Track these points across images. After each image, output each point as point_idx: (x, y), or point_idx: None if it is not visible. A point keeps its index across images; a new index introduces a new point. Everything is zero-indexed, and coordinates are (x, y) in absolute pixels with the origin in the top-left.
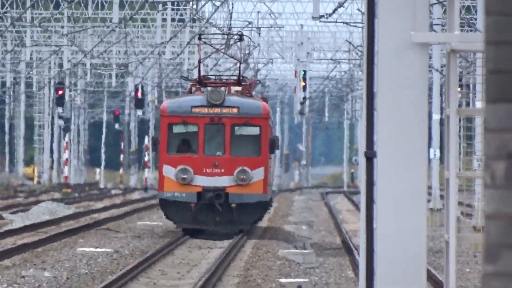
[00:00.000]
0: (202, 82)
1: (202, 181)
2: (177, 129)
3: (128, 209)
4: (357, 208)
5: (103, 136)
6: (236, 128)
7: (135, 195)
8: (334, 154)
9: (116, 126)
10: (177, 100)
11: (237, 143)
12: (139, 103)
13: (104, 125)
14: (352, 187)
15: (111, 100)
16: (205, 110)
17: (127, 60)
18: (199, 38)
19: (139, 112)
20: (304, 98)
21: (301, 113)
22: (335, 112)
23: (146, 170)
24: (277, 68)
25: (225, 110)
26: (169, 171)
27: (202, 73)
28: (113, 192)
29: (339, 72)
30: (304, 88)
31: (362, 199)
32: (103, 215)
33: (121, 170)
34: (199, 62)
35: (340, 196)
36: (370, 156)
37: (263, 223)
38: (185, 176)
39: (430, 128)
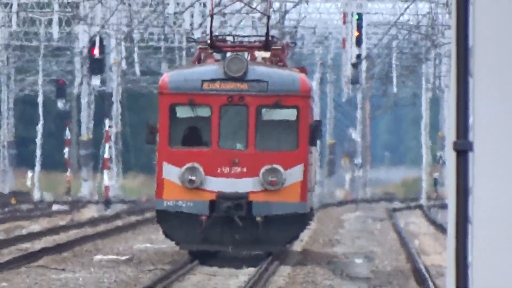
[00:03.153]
0: (215, 45)
1: (217, 185)
2: (183, 112)
3: (78, 235)
4: (443, 231)
5: (40, 120)
6: (263, 110)
7: (90, 212)
8: (406, 147)
9: (59, 103)
10: (183, 72)
11: (265, 131)
12: (97, 66)
13: (41, 101)
14: (435, 199)
15: (51, 63)
16: (221, 85)
17: None
18: None
19: (96, 81)
20: (359, 57)
21: (354, 81)
22: (408, 80)
23: (106, 173)
24: (315, 9)
25: (248, 86)
26: (171, 172)
27: (213, 33)
28: (55, 207)
29: (414, 16)
30: (359, 41)
31: (450, 217)
32: (39, 243)
33: (68, 173)
34: (212, 16)
35: (416, 213)
36: (463, 150)
37: (297, 246)
38: (193, 178)
39: None
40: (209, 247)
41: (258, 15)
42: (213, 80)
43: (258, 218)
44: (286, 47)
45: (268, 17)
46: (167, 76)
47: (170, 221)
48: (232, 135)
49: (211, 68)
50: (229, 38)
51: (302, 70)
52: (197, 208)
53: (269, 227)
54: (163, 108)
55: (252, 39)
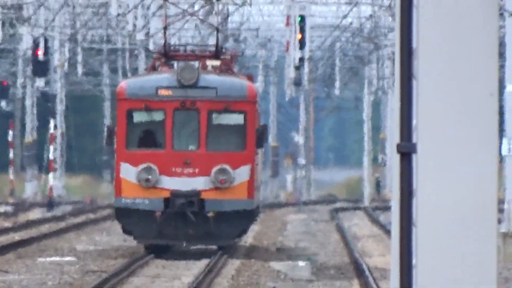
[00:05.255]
0: (168, 54)
1: (170, 183)
2: (139, 116)
3: (22, 237)
4: (386, 233)
5: None
6: (214, 115)
7: (34, 214)
8: (350, 149)
9: (3, 104)
10: (139, 79)
11: (215, 134)
12: (40, 68)
13: None
14: (377, 200)
15: None
16: (174, 92)
17: (20, 0)
18: None
19: (40, 83)
20: (302, 59)
21: (297, 83)
22: (350, 82)
23: (51, 174)
24: (258, 11)
25: (199, 92)
26: (128, 171)
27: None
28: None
29: (357, 19)
30: (302, 43)
31: (394, 218)
32: None
33: (10, 174)
34: (165, 29)
35: (359, 214)
36: (406, 152)
37: (241, 248)
38: (149, 177)
39: (502, 108)
40: (164, 241)
41: (200, 17)
42: (167, 87)
43: (209, 214)
44: (234, 56)
45: (217, 29)
46: (124, 84)
47: (127, 217)
48: (184, 137)
49: (165, 76)
50: (181, 47)
51: (249, 77)
52: (153, 205)
53: (220, 223)
54: (120, 113)
55: (202, 48)
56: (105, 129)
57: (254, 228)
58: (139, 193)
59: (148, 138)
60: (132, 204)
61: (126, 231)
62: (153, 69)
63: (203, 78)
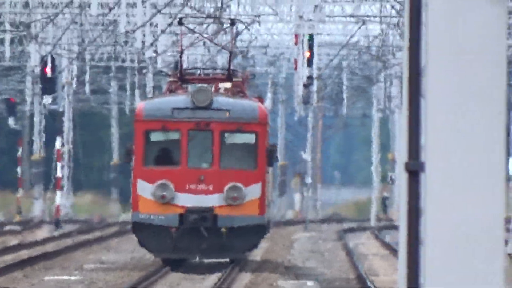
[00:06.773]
0: (183, 78)
1: (185, 200)
2: (156, 136)
3: (29, 255)
4: (393, 253)
5: None
6: (226, 135)
7: (41, 233)
8: (356, 167)
9: (11, 121)
10: (156, 101)
11: (228, 153)
12: (49, 85)
13: None
14: (384, 220)
15: (2, 81)
16: (189, 113)
17: (29, 18)
18: (180, 23)
19: (48, 100)
20: (310, 77)
21: (306, 101)
22: (358, 100)
23: (58, 192)
24: (266, 30)
25: (213, 114)
26: (144, 188)
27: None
28: (6, 227)
29: (364, 37)
30: (310, 61)
31: (401, 238)
32: None
33: (19, 192)
34: (181, 53)
35: (366, 234)
36: (414, 170)
37: (249, 268)
38: (165, 194)
39: (509, 126)
40: (179, 255)
41: (208, 35)
42: (182, 109)
43: (222, 229)
44: (246, 79)
45: (231, 53)
46: (142, 105)
47: (144, 232)
48: (199, 156)
49: (180, 98)
50: (195, 71)
51: (260, 99)
52: (168, 220)
53: (232, 237)
54: (138, 133)
55: (215, 71)
56: (124, 148)
57: (263, 246)
58: (155, 209)
59: (164, 156)
60: (149, 220)
61: (142, 245)
62: (169, 91)
63: (216, 100)
